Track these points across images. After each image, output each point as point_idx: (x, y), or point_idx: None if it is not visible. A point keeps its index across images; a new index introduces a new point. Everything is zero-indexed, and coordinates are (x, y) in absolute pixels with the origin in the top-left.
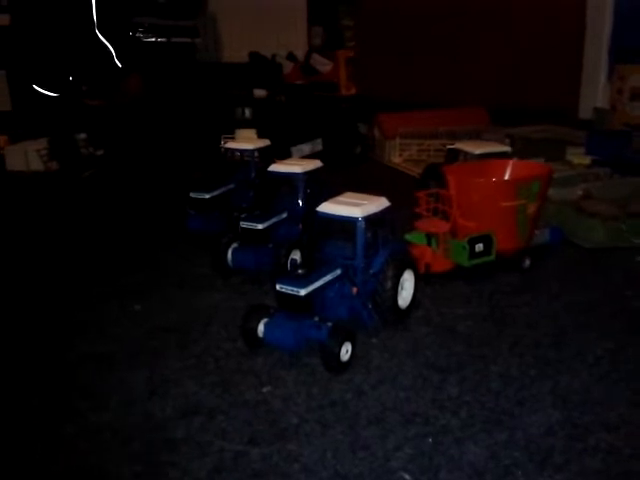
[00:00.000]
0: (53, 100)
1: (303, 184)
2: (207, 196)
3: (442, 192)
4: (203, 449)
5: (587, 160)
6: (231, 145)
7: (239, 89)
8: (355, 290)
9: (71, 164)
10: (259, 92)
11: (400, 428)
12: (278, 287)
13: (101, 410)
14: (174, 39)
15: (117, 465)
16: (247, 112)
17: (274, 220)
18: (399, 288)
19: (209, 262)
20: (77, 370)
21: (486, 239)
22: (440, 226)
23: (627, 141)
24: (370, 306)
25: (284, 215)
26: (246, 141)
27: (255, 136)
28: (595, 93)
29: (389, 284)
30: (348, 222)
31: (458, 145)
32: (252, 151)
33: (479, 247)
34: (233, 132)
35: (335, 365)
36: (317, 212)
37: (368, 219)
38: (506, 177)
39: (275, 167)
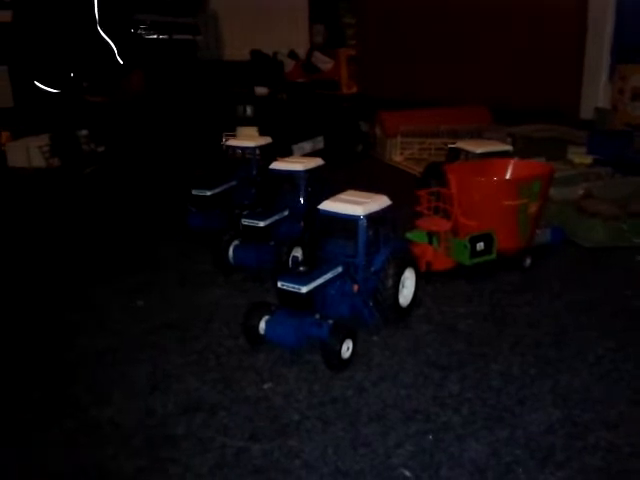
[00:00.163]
0: (55, 97)
1: (304, 182)
2: (209, 193)
3: (443, 191)
4: (204, 445)
5: (588, 160)
6: (233, 142)
7: (240, 87)
8: (356, 288)
9: (73, 161)
10: (260, 90)
11: (401, 425)
12: (279, 284)
13: (103, 405)
14: (175, 36)
15: (118, 460)
16: (249, 110)
17: (275, 218)
18: (400, 286)
19: (210, 259)
20: (78, 365)
21: (487, 238)
22: (441, 225)
23: (628, 141)
24: (371, 304)
25: (285, 213)
26: (248, 139)
27: (257, 134)
28: (596, 93)
29: (390, 282)
30: (350, 220)
31: (459, 144)
32: (254, 149)
33: (480, 246)
34: (234, 130)
35: (336, 362)
36: (319, 210)
37: (370, 217)
38: (507, 176)
39: (277, 165)
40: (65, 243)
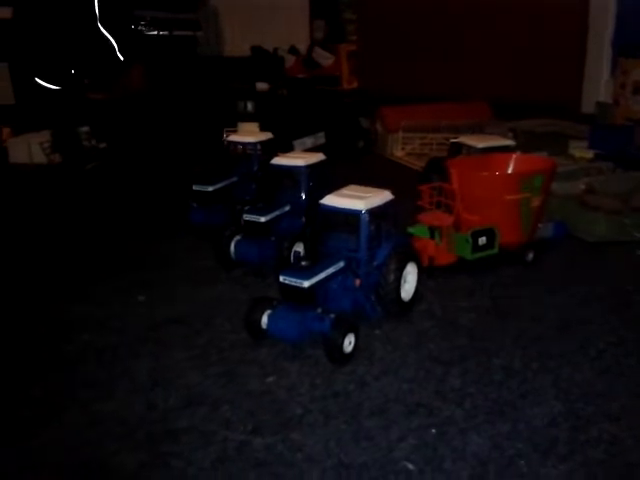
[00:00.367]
0: (56, 93)
1: (306, 177)
2: (210, 189)
3: (445, 185)
4: (207, 439)
5: (589, 154)
6: (234, 138)
7: (241, 82)
8: (358, 282)
9: (74, 157)
10: (261, 85)
11: (403, 419)
12: (282, 279)
13: (104, 400)
14: (176, 32)
15: (120, 455)
16: (249, 105)
17: (277, 213)
18: (402, 281)
19: (212, 255)
20: (79, 360)
21: (489, 232)
22: (443, 219)
23: (630, 136)
24: (373, 298)
25: (287, 208)
26: (249, 134)
27: (258, 129)
28: (598, 87)
29: (392, 277)
30: (352, 215)
31: (461, 139)
32: (255, 144)
33: (482, 240)
34: (235, 125)
35: (338, 356)
36: (321, 205)
37: (371, 212)
38: (509, 171)
39: (278, 160)
40: (66, 239)
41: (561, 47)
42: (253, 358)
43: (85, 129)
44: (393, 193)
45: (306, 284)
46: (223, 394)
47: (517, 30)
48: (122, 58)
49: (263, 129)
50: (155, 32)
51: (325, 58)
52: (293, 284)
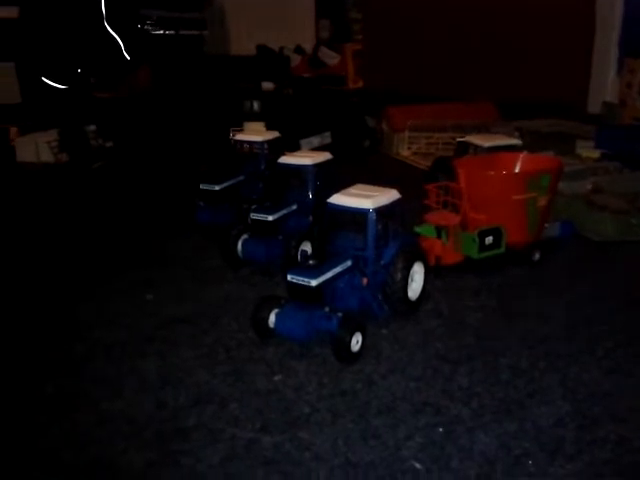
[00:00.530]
0: (62, 92)
1: (313, 176)
2: (217, 188)
3: (452, 185)
4: (215, 436)
5: (596, 154)
6: (241, 137)
7: (247, 82)
8: (365, 281)
9: (81, 156)
10: (267, 85)
11: (410, 418)
12: (289, 278)
13: (114, 398)
14: (182, 32)
15: (129, 454)
16: (255, 105)
17: (284, 212)
18: (409, 280)
19: (219, 254)
20: (89, 359)
21: (496, 232)
22: (450, 219)
23: (637, 135)
24: (380, 297)
25: (294, 207)
26: (255, 133)
27: (264, 129)
28: (604, 87)
29: (399, 276)
30: (359, 214)
31: (468, 138)
32: (262, 143)
33: (489, 240)
34: (241, 125)
35: (346, 355)
36: (328, 204)
37: (379, 211)
38: (516, 170)
39: (285, 159)
40: (74, 238)
41: (567, 47)
42: (261, 357)
43: (92, 128)
44: (399, 192)
45: (314, 283)
46: (231, 392)
47: (523, 30)
48: (128, 57)
49: (269, 129)
50: (161, 31)
51: (331, 57)
52: (301, 283)
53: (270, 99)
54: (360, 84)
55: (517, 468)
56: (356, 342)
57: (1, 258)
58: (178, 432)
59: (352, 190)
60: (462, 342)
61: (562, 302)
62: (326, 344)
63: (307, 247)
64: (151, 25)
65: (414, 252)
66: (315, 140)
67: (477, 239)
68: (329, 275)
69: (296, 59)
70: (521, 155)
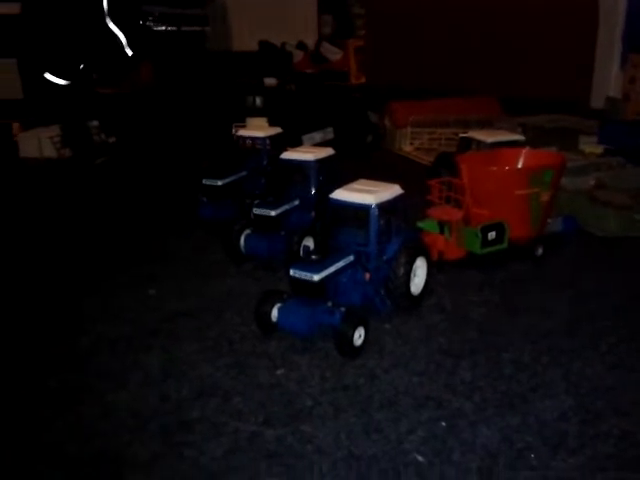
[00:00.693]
0: (65, 88)
1: (315, 171)
2: (219, 183)
3: (455, 180)
4: (218, 429)
5: (599, 149)
6: (243, 133)
7: (249, 78)
8: (368, 276)
9: (84, 151)
10: (269, 81)
11: (413, 412)
12: (292, 272)
13: (117, 391)
14: (184, 28)
15: (134, 446)
16: (258, 100)
17: (286, 207)
18: (412, 275)
19: (221, 249)
20: (92, 353)
21: (499, 227)
22: (453, 214)
23: None
24: (383, 292)
25: (296, 202)
26: (258, 129)
27: (266, 124)
28: (607, 82)
29: (402, 271)
30: (361, 209)
31: (471, 134)
32: (264, 139)
33: (492, 235)
34: (244, 120)
35: (348, 349)
36: (330, 199)
37: (381, 206)
38: (519, 166)
39: (287, 155)
40: (77, 233)
41: (571, 42)
42: (263, 351)
43: (95, 124)
44: (402, 188)
45: (316, 278)
46: (234, 386)
47: (527, 25)
48: (131, 53)
49: (271, 124)
50: (164, 27)
51: (333, 53)
52: (303, 278)
53: (272, 95)
54: (363, 80)
55: (519, 462)
56: (359, 336)
57: (5, 253)
58: (182, 425)
59: (354, 185)
60: (465, 337)
61: (565, 297)
62: (329, 338)
63: (309, 242)
64: (153, 21)
65: (417, 247)
66: (317, 136)
67: (480, 234)
68: (331, 270)
69: (298, 55)
70: (524, 151)
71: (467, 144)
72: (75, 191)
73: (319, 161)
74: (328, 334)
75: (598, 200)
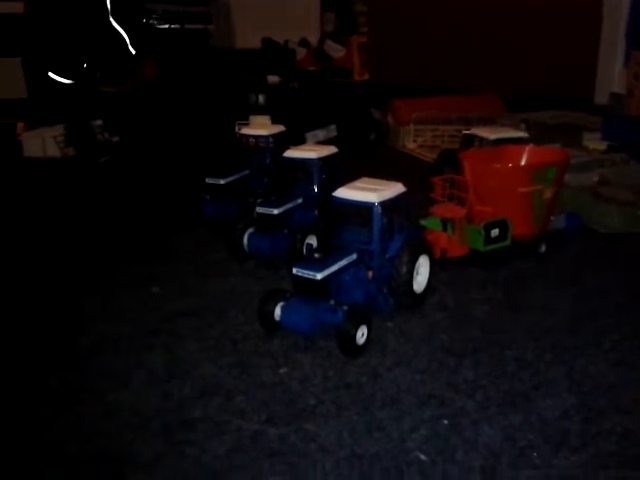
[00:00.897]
0: (68, 87)
1: (318, 170)
2: (222, 182)
3: (458, 178)
4: (221, 428)
5: (603, 146)
6: (246, 131)
7: (252, 75)
8: (371, 274)
9: (87, 150)
10: (272, 78)
11: (415, 410)
12: (295, 271)
13: (119, 391)
14: (187, 26)
15: (137, 445)
16: (261, 98)
17: (289, 206)
18: (414, 273)
19: (224, 247)
20: (95, 351)
21: (502, 224)
22: (456, 211)
23: None
24: (385, 290)
25: (299, 201)
26: (261, 127)
27: (269, 122)
28: (611, 78)
29: (404, 269)
30: (364, 207)
31: (474, 131)
32: (267, 137)
33: (495, 232)
34: (247, 118)
35: (351, 348)
36: (333, 197)
37: (384, 204)
38: (522, 163)
39: (290, 153)
40: (79, 232)
41: (574, 38)
42: (266, 350)
43: (98, 123)
44: (405, 185)
45: (319, 276)
46: (237, 385)
47: (531, 21)
48: (134, 52)
49: (275, 122)
50: (167, 25)
51: (336, 50)
52: (306, 276)
53: (275, 92)
54: (366, 77)
55: (522, 460)
56: (361, 335)
57: (7, 252)
58: (184, 424)
59: (357, 183)
60: (467, 335)
61: (568, 294)
62: (331, 337)
63: (312, 241)
64: (156, 19)
65: (419, 245)
66: (321, 133)
67: (483, 232)
68: (334, 268)
69: (301, 52)
70: (527, 147)
71: (470, 141)
72: (79, 190)
73: (322, 159)
74: (331, 333)
75: (602, 196)
